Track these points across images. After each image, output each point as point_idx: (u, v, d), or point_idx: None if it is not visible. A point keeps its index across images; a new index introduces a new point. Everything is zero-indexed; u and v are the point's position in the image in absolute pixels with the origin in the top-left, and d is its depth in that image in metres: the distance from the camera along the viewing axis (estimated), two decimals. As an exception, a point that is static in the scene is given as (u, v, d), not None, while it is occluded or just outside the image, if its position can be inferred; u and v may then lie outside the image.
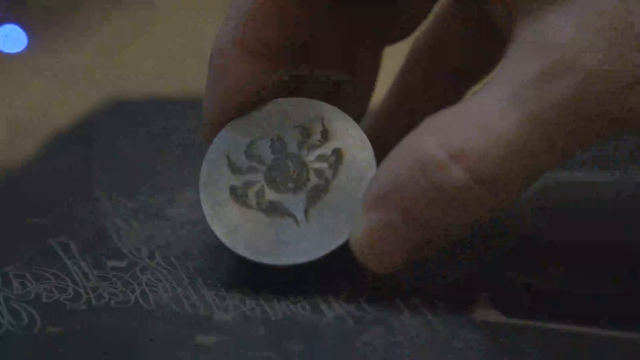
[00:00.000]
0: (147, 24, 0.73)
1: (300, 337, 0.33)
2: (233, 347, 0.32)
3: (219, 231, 0.34)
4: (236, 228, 0.34)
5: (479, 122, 0.30)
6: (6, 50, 0.59)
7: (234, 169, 0.35)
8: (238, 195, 0.35)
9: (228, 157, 0.35)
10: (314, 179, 0.34)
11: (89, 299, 0.35)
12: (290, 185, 0.34)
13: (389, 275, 0.35)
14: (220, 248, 0.38)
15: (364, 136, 0.34)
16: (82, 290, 0.36)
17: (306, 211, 0.34)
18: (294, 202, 0.34)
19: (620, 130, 0.30)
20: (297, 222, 0.34)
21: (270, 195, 0.34)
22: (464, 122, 0.30)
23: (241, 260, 0.34)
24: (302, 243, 0.34)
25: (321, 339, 0.33)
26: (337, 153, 0.34)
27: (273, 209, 0.34)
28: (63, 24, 0.72)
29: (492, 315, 0.34)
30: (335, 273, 0.36)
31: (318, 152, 0.34)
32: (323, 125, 0.35)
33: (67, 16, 0.73)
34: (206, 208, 0.35)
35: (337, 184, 0.34)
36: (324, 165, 0.34)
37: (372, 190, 0.32)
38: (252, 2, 0.34)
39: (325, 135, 0.34)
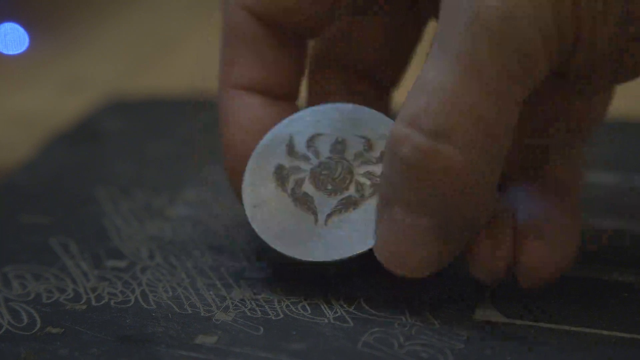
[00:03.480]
0: (148, 24, 0.73)
1: (300, 337, 0.33)
2: (233, 347, 0.32)
3: (247, 199, 0.35)
4: (262, 203, 0.35)
5: (421, 85, 0.31)
6: (7, 51, 0.59)
7: (291, 150, 0.35)
8: (281, 175, 0.35)
9: (292, 137, 0.35)
10: (352, 190, 0.34)
11: (88, 299, 0.35)
12: (329, 186, 0.34)
13: (388, 276, 0.35)
14: (220, 248, 0.38)
15: None
16: (82, 291, 0.36)
17: (329, 216, 0.34)
18: (324, 203, 0.34)
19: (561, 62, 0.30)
20: (316, 221, 0.34)
21: (307, 188, 0.35)
22: (412, 91, 0.31)
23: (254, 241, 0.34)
24: (310, 243, 0.34)
25: (321, 339, 0.33)
26: None
27: (302, 202, 0.34)
28: (64, 24, 0.72)
29: (492, 315, 0.34)
30: (336, 273, 0.36)
31: (370, 168, 0.34)
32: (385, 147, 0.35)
33: (68, 16, 0.73)
34: (246, 176, 0.35)
35: (369, 203, 0.34)
36: (368, 182, 0.34)
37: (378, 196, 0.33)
38: (227, 50, 0.36)
39: (382, 156, 0.34)
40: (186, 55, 0.67)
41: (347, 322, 0.33)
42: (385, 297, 0.35)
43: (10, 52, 0.59)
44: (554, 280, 0.34)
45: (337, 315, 0.34)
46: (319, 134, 0.35)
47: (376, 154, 0.35)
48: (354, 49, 0.38)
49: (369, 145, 0.35)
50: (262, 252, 0.38)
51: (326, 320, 0.34)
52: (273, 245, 0.34)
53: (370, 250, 0.33)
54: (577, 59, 0.31)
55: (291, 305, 0.34)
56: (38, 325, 0.34)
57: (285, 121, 0.36)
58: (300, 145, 0.35)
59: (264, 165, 0.35)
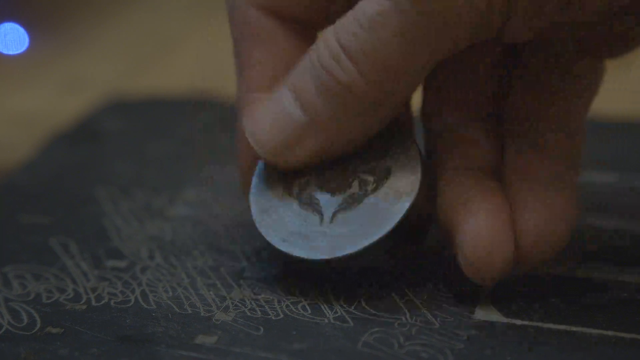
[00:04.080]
0: (148, 24, 0.73)
1: (300, 337, 0.33)
2: (233, 347, 0.32)
3: (254, 206, 0.35)
4: (269, 209, 0.35)
5: (354, 7, 0.32)
6: (7, 51, 0.59)
7: None
8: (286, 182, 0.35)
9: None
10: (355, 187, 0.34)
11: (88, 299, 0.35)
12: (333, 185, 0.35)
13: (388, 275, 0.35)
14: (220, 248, 0.38)
15: (419, 161, 0.34)
16: (81, 291, 0.36)
17: (334, 214, 0.34)
18: (329, 202, 0.35)
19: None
20: (321, 220, 0.34)
21: (312, 189, 0.35)
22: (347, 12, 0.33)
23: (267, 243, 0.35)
24: (317, 242, 0.34)
25: (321, 339, 0.33)
26: (387, 171, 0.34)
27: (307, 203, 0.35)
28: (64, 24, 0.72)
29: (492, 315, 0.34)
30: (336, 273, 0.36)
31: (372, 163, 0.35)
32: (387, 142, 0.35)
33: (68, 16, 0.73)
34: (255, 181, 0.36)
35: (372, 199, 0.34)
36: (370, 178, 0.34)
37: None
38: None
39: (385, 151, 0.35)
40: (186, 55, 0.67)
41: (347, 322, 0.33)
42: (385, 297, 0.35)
43: (10, 52, 0.59)
44: (556, 252, 0.33)
45: (337, 315, 0.34)
46: None
47: (378, 148, 0.35)
48: None
49: (369, 144, 0.35)
50: (262, 252, 0.38)
51: (326, 320, 0.34)
52: (281, 248, 0.34)
53: (376, 242, 0.33)
54: (512, 28, 0.32)
55: (291, 305, 0.34)
56: (38, 325, 0.34)
57: None
58: None
59: (270, 171, 0.35)
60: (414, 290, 0.35)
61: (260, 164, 0.36)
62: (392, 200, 0.34)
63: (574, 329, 0.33)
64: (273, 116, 0.33)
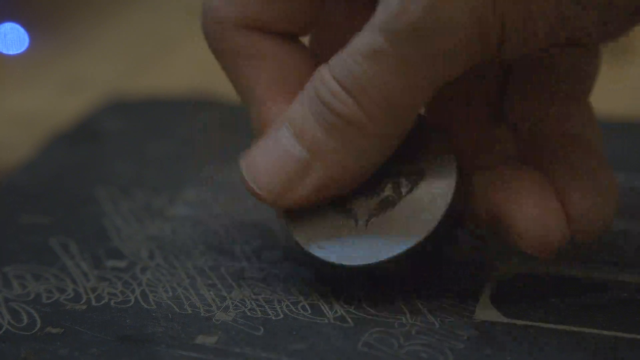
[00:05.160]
0: (148, 24, 0.73)
1: (301, 337, 0.33)
2: (233, 347, 0.32)
3: (286, 215, 0.35)
4: (302, 216, 0.34)
5: (349, 44, 0.32)
6: (7, 51, 0.59)
7: None
8: None
9: None
10: (388, 190, 0.34)
11: (88, 299, 0.35)
12: (367, 188, 0.34)
13: (388, 276, 0.35)
14: (220, 248, 0.38)
15: (454, 165, 0.34)
16: (81, 291, 0.36)
17: (369, 219, 0.34)
18: (363, 206, 0.34)
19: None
20: (356, 224, 0.34)
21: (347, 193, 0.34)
22: (343, 48, 0.33)
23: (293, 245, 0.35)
24: (353, 248, 0.34)
25: (321, 339, 0.33)
26: (420, 173, 0.34)
27: (341, 208, 0.34)
28: (64, 24, 0.72)
29: (492, 315, 0.34)
30: (336, 273, 0.36)
31: (406, 166, 0.34)
32: (422, 144, 0.35)
33: (68, 16, 0.73)
34: None
35: (406, 202, 0.34)
36: (404, 180, 0.34)
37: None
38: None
39: (419, 154, 0.35)
40: (186, 55, 0.67)
41: (347, 322, 0.33)
42: (385, 297, 0.35)
43: (10, 52, 0.59)
44: (604, 231, 0.34)
45: (337, 315, 0.34)
46: None
47: (412, 150, 0.34)
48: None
49: (406, 143, 0.34)
50: (262, 252, 0.38)
51: (326, 320, 0.34)
52: (317, 254, 0.34)
53: (414, 247, 0.33)
54: (507, 51, 0.32)
55: (291, 305, 0.34)
56: (38, 325, 0.34)
57: None
58: None
59: None
60: (414, 290, 0.35)
61: None
62: (427, 203, 0.33)
63: (574, 329, 0.33)
64: (272, 156, 0.33)
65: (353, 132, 0.32)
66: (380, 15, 0.31)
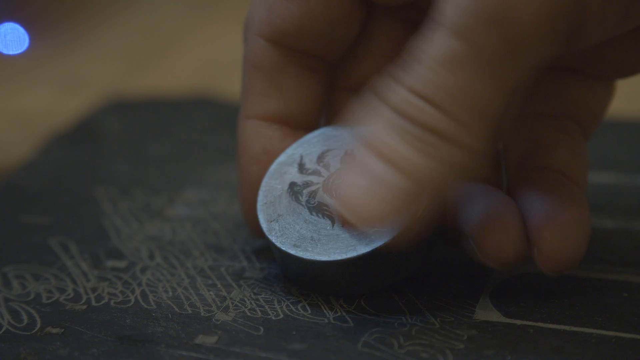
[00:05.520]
0: (148, 24, 0.73)
1: (300, 337, 0.33)
2: (233, 347, 0.32)
3: (263, 217, 0.35)
4: (278, 218, 0.35)
5: (414, 53, 0.31)
6: (7, 51, 0.59)
7: (302, 168, 0.36)
8: (294, 191, 0.35)
9: (302, 157, 0.36)
10: None
11: (88, 300, 0.35)
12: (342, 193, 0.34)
13: (388, 275, 0.35)
14: (220, 248, 0.38)
15: None
16: (81, 291, 0.36)
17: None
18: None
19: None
20: (332, 224, 0.34)
21: (321, 197, 0.35)
22: (410, 60, 0.31)
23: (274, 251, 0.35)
24: (329, 244, 0.34)
25: (321, 339, 0.33)
26: None
27: (317, 209, 0.35)
28: (64, 24, 0.72)
29: (492, 315, 0.34)
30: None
31: None
32: None
33: (68, 16, 0.73)
34: (260, 196, 0.35)
35: None
36: None
37: (354, 142, 0.32)
38: (246, 82, 0.36)
39: None
40: (186, 55, 0.67)
41: (347, 322, 0.33)
42: (385, 297, 0.35)
43: (10, 52, 0.59)
44: (572, 267, 0.34)
45: (337, 315, 0.34)
46: (328, 150, 0.36)
47: None
48: (363, 69, 0.38)
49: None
50: (262, 252, 0.38)
51: (326, 320, 0.34)
52: (292, 252, 0.34)
53: (390, 245, 0.33)
54: (584, 42, 0.31)
55: (291, 305, 0.34)
56: (38, 325, 0.34)
57: (295, 144, 0.36)
58: (311, 163, 0.36)
59: (276, 186, 0.35)
60: (414, 290, 0.35)
61: (265, 181, 0.35)
62: None
63: (574, 329, 0.33)
64: (368, 187, 0.32)
65: (447, 145, 0.31)
66: (449, 14, 0.30)
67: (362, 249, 0.33)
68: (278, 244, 0.34)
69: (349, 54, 0.37)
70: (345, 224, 0.33)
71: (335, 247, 0.34)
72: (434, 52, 0.31)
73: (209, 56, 0.64)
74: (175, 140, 0.49)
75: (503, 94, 0.31)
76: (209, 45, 0.65)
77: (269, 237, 0.34)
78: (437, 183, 0.31)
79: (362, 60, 0.37)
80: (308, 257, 0.34)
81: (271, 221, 0.35)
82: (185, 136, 0.50)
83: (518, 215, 0.34)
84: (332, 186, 0.35)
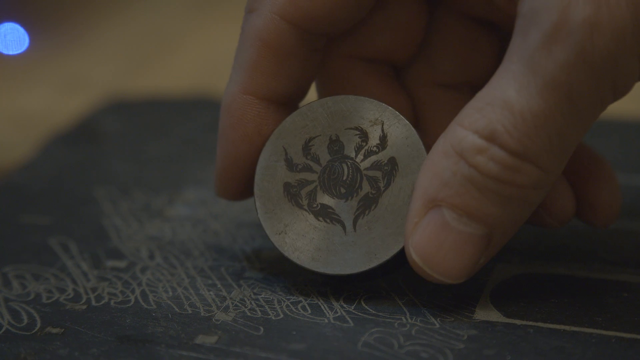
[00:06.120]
0: (148, 24, 0.73)
1: (300, 337, 0.33)
2: (233, 347, 0.32)
3: (269, 229, 0.34)
4: (285, 228, 0.34)
5: (502, 102, 0.31)
6: (7, 51, 0.59)
7: (290, 164, 0.35)
8: (291, 193, 0.35)
9: (285, 151, 0.35)
10: (366, 187, 0.34)
11: (88, 299, 0.35)
12: (343, 190, 0.34)
13: (388, 275, 0.35)
14: (220, 248, 0.38)
15: (422, 146, 0.34)
16: (81, 291, 0.36)
17: (355, 220, 0.34)
18: (345, 209, 0.34)
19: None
20: (344, 230, 0.34)
21: (322, 198, 0.34)
22: (489, 106, 0.31)
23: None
24: (348, 254, 0.34)
25: (321, 339, 0.32)
26: (392, 162, 0.34)
27: (323, 213, 0.34)
28: (64, 24, 0.72)
29: (492, 315, 0.34)
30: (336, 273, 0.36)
31: (374, 158, 0.34)
32: (382, 131, 0.34)
33: (68, 16, 0.73)
34: (259, 204, 0.35)
35: (388, 195, 0.34)
36: (378, 173, 0.34)
37: (419, 195, 0.32)
38: (253, 58, 0.35)
39: (383, 142, 0.34)
40: (186, 55, 0.67)
41: (347, 322, 0.33)
42: (385, 297, 0.35)
43: (10, 52, 0.59)
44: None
45: (337, 315, 0.34)
46: (311, 138, 0.35)
47: (374, 140, 0.34)
48: (369, 38, 0.37)
49: (363, 135, 0.34)
50: (262, 252, 0.38)
51: (326, 320, 0.34)
52: (312, 268, 0.34)
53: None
54: None
55: (291, 305, 0.34)
56: (38, 325, 0.34)
57: (274, 134, 0.35)
58: (298, 156, 0.35)
59: (271, 189, 0.35)
60: (414, 290, 0.35)
61: (256, 186, 0.35)
62: (409, 190, 0.33)
63: (574, 328, 0.33)
64: (448, 242, 0.32)
65: (532, 192, 0.31)
66: (548, 68, 0.30)
67: (383, 256, 0.33)
68: (295, 260, 0.34)
69: (360, 23, 0.36)
70: (430, 278, 0.33)
71: (354, 257, 0.33)
72: (528, 103, 0.30)
73: (209, 56, 0.64)
74: (175, 140, 0.49)
75: (585, 130, 0.31)
76: (209, 45, 0.65)
77: (283, 252, 0.34)
78: (518, 225, 0.32)
79: (376, 31, 0.37)
80: (329, 273, 0.34)
81: (279, 233, 0.34)
82: (185, 136, 0.50)
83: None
84: (330, 183, 0.35)
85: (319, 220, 0.34)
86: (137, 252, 0.38)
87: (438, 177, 0.32)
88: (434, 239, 0.32)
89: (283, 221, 0.34)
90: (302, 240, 0.34)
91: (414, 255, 0.32)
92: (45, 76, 0.63)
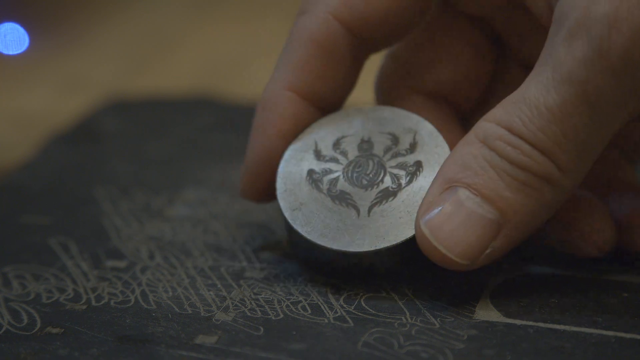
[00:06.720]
0: (148, 24, 0.73)
1: (300, 337, 0.33)
2: (233, 347, 0.32)
3: (285, 205, 0.35)
4: (301, 206, 0.35)
5: (522, 98, 0.32)
6: (7, 51, 0.59)
7: (319, 155, 0.36)
8: (313, 178, 0.35)
9: (316, 143, 0.36)
10: (387, 182, 0.35)
11: (88, 299, 0.35)
12: (365, 181, 0.35)
13: (388, 276, 0.35)
14: (220, 248, 0.38)
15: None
16: (81, 291, 0.36)
17: (371, 207, 0.34)
18: (363, 196, 0.35)
19: None
20: (358, 214, 0.34)
21: (342, 186, 0.35)
22: (512, 102, 0.32)
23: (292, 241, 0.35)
24: (358, 235, 0.34)
25: (321, 339, 0.32)
26: (418, 164, 0.35)
27: (340, 198, 0.35)
28: (64, 24, 0.72)
29: (492, 315, 0.34)
30: (336, 274, 0.36)
31: (400, 159, 0.35)
32: (414, 138, 0.35)
33: (68, 16, 0.73)
34: (280, 183, 0.35)
35: (408, 191, 0.34)
36: (402, 172, 0.35)
37: (438, 178, 0.33)
38: (302, 56, 0.35)
39: (413, 147, 0.35)
40: (186, 55, 0.67)
41: (347, 322, 0.33)
42: (385, 297, 0.35)
43: (10, 52, 0.59)
44: None
45: (337, 315, 0.34)
46: (343, 137, 0.36)
47: (404, 145, 0.35)
48: (430, 70, 0.38)
49: (395, 140, 0.35)
50: (262, 252, 0.38)
51: (326, 320, 0.34)
52: (319, 242, 0.34)
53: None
54: None
55: (291, 305, 0.34)
56: (38, 325, 0.34)
57: (307, 130, 0.36)
58: (327, 149, 0.36)
59: (294, 172, 0.35)
60: (414, 290, 0.35)
61: (281, 167, 0.35)
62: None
63: (574, 329, 0.33)
64: (461, 221, 0.32)
65: (546, 187, 0.32)
66: (564, 60, 0.31)
67: (391, 240, 0.33)
68: (304, 234, 0.34)
69: (424, 55, 0.37)
70: (438, 259, 0.33)
71: (362, 238, 0.34)
72: (544, 99, 0.31)
73: (209, 56, 0.64)
74: (175, 140, 0.49)
75: (608, 138, 0.32)
76: (209, 45, 0.65)
77: (293, 226, 0.34)
78: (530, 220, 0.32)
79: (440, 65, 0.37)
80: (335, 248, 0.34)
81: (294, 209, 0.35)
82: (186, 136, 0.50)
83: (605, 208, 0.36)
84: (354, 175, 0.35)
85: (335, 203, 0.35)
86: (137, 252, 0.38)
87: (459, 161, 0.33)
88: (445, 213, 0.32)
89: (299, 200, 0.35)
90: (315, 218, 0.35)
91: (422, 226, 0.32)
92: (45, 76, 0.63)
